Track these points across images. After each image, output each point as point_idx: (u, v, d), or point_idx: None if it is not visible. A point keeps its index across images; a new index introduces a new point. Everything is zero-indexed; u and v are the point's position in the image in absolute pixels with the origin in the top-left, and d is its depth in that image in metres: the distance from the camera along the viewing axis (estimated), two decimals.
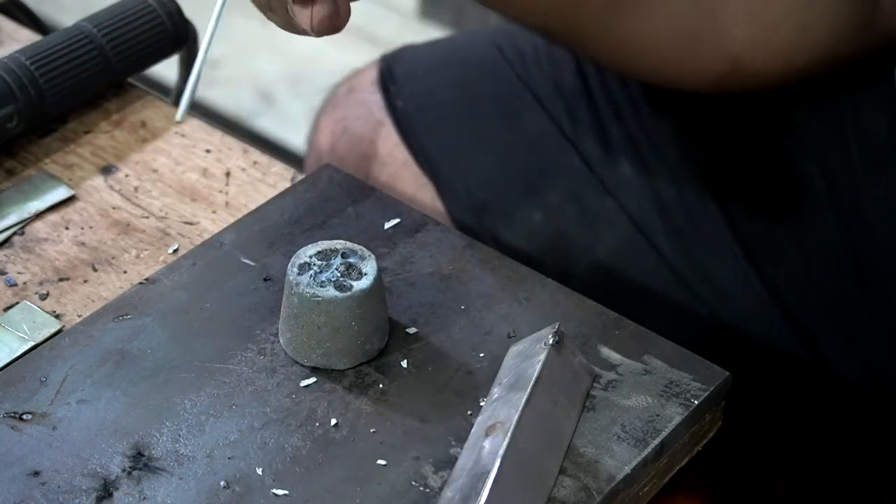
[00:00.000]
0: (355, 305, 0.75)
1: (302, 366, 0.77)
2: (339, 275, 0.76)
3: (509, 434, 0.70)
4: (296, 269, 0.76)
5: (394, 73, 1.09)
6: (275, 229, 0.85)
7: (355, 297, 0.75)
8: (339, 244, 0.77)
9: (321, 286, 0.75)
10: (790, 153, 1.01)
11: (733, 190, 1.00)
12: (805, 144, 1.00)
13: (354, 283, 0.76)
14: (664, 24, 0.90)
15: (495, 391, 0.75)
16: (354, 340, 0.76)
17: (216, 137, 0.93)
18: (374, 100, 1.08)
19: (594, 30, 0.91)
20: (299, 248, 0.81)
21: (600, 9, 0.89)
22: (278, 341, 0.78)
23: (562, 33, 0.98)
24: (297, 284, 0.75)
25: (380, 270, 0.76)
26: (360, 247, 0.77)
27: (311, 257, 0.76)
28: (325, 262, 0.76)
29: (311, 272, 0.76)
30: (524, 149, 1.04)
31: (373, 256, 0.77)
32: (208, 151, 0.92)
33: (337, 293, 0.75)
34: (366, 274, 0.76)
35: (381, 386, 0.76)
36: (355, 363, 0.77)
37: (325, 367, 0.77)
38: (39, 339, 0.79)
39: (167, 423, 0.74)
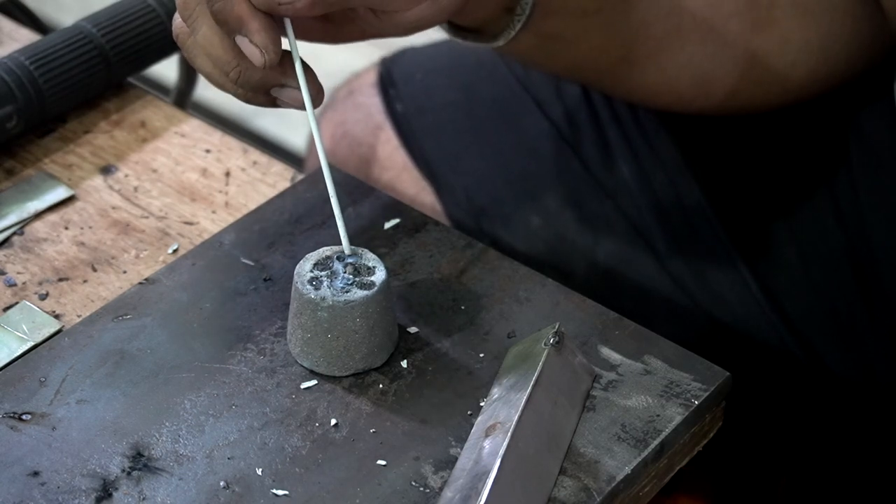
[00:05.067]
0: (382, 298, 0.75)
1: (302, 366, 0.77)
2: (351, 276, 0.76)
3: (509, 434, 0.70)
4: (311, 288, 0.75)
5: (393, 76, 1.09)
6: (275, 229, 0.85)
7: (381, 290, 0.75)
8: (327, 251, 0.77)
9: (346, 292, 0.75)
10: (789, 158, 1.01)
11: (731, 194, 1.00)
12: (804, 150, 1.00)
13: (372, 278, 0.76)
14: (678, 73, 0.90)
15: (495, 391, 0.75)
16: (387, 331, 0.76)
17: (216, 137, 0.93)
18: (373, 103, 1.08)
19: (606, 81, 0.92)
20: (299, 248, 0.81)
21: (611, 67, 0.89)
22: (278, 341, 0.78)
23: (579, 81, 0.99)
24: (324, 299, 0.75)
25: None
26: (346, 245, 0.77)
27: (312, 271, 0.76)
28: (328, 271, 0.76)
29: (325, 283, 0.75)
30: (523, 152, 1.04)
31: (365, 250, 0.77)
32: (208, 151, 0.92)
33: (366, 292, 0.75)
34: (375, 266, 0.76)
35: (380, 386, 0.76)
36: (389, 355, 0.77)
37: (365, 370, 0.76)
38: (39, 339, 0.79)
39: (167, 424, 0.74)
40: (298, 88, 0.76)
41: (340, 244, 0.77)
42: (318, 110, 0.77)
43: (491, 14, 0.82)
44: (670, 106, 0.95)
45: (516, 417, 0.71)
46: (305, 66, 0.76)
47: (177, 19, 0.77)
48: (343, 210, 0.85)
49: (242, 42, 0.74)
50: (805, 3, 0.89)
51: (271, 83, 0.76)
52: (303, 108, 0.76)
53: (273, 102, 0.78)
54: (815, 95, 0.95)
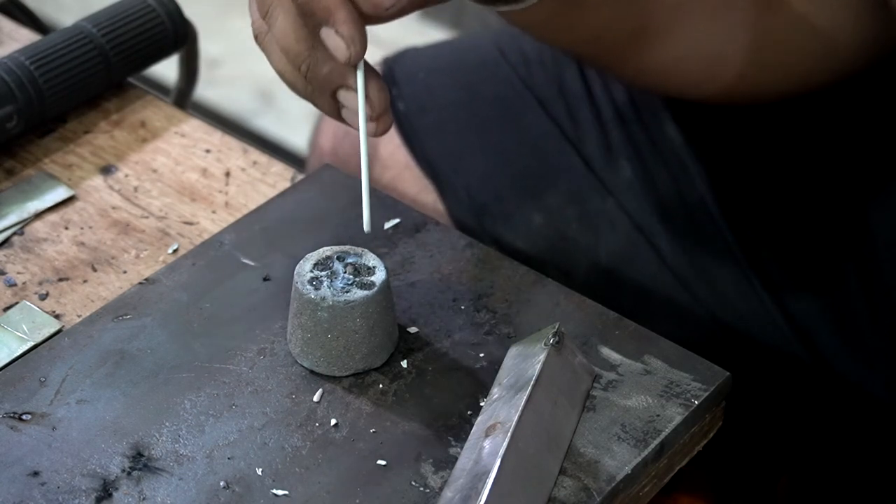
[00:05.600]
0: (382, 298, 0.76)
1: (302, 366, 0.77)
2: (351, 277, 0.76)
3: (509, 434, 0.70)
4: (311, 288, 0.75)
5: (395, 75, 1.09)
6: (275, 229, 0.85)
7: (381, 290, 0.75)
8: (327, 251, 0.77)
9: (346, 293, 0.75)
10: (792, 156, 1.01)
11: (735, 193, 1.00)
12: (808, 148, 1.00)
13: (372, 278, 0.76)
14: (689, 51, 0.89)
15: (495, 391, 0.75)
16: (387, 331, 0.76)
17: (216, 137, 0.93)
18: None
19: (620, 57, 0.91)
20: (299, 248, 0.81)
21: (627, 40, 0.88)
22: (278, 341, 0.78)
23: (587, 59, 0.98)
24: (324, 299, 0.75)
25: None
26: (347, 246, 0.77)
27: (312, 271, 0.76)
28: (328, 271, 0.76)
29: (325, 283, 0.75)
30: (525, 151, 1.04)
31: (366, 250, 0.77)
32: (208, 151, 0.92)
33: (366, 292, 0.75)
34: (374, 266, 0.76)
35: (380, 386, 0.76)
36: (389, 355, 0.77)
37: (365, 370, 0.77)
38: (39, 339, 0.79)
39: (167, 424, 0.74)
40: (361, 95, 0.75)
41: (340, 244, 0.77)
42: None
43: None
44: (679, 89, 0.94)
45: (516, 417, 0.71)
46: (378, 82, 0.76)
47: (255, 15, 0.76)
48: (343, 210, 0.85)
49: (328, 35, 0.73)
50: None
51: (337, 81, 0.75)
52: (364, 129, 0.76)
53: (337, 111, 0.77)
54: (818, 88, 0.95)
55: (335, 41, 0.73)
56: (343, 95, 0.76)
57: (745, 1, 0.88)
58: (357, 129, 0.76)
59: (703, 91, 0.93)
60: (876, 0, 0.91)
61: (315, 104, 0.78)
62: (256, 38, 0.77)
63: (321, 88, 0.76)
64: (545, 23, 0.86)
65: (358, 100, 0.75)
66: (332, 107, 0.77)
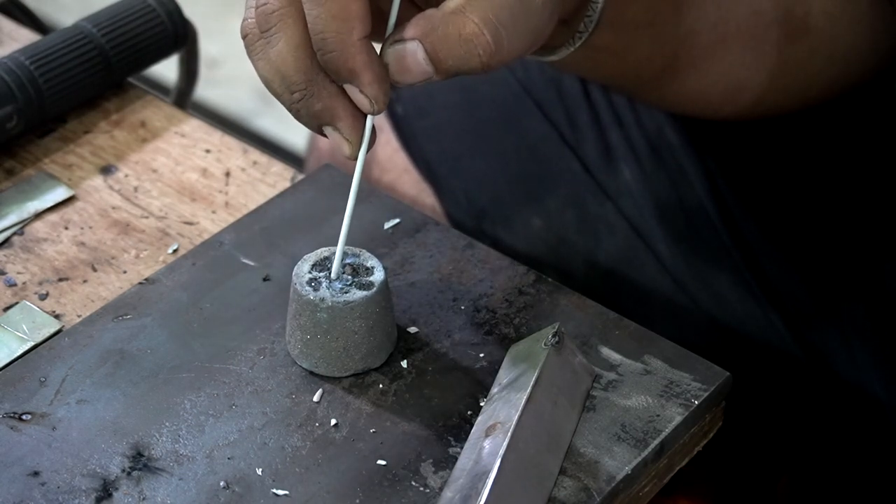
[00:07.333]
0: (381, 299, 0.76)
1: (301, 367, 0.77)
2: (350, 277, 0.76)
3: (509, 434, 0.70)
4: (310, 289, 0.75)
5: None
6: (275, 229, 0.85)
7: (380, 290, 0.75)
8: (325, 251, 0.77)
9: (345, 293, 0.75)
10: (790, 159, 1.01)
11: (732, 196, 1.00)
12: (805, 150, 1.00)
13: (371, 278, 0.76)
14: (713, 81, 0.89)
15: (495, 391, 0.75)
16: (386, 331, 0.76)
17: (216, 137, 0.93)
18: None
19: (650, 88, 0.90)
20: (299, 248, 0.81)
21: (660, 72, 0.88)
22: (278, 341, 0.78)
23: (616, 90, 0.98)
24: (323, 300, 0.74)
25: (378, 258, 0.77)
26: (346, 246, 0.77)
27: (310, 272, 0.76)
28: (327, 272, 0.76)
29: (324, 284, 0.75)
30: (524, 154, 1.04)
31: (363, 250, 0.77)
32: (208, 151, 0.92)
33: (365, 292, 0.75)
34: (373, 266, 0.76)
35: (380, 386, 0.76)
36: (388, 355, 0.77)
37: (364, 370, 0.76)
38: (39, 339, 0.79)
39: (167, 424, 0.74)
40: (347, 138, 0.72)
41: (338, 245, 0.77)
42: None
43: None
44: (698, 113, 0.94)
45: (516, 417, 0.71)
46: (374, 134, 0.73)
47: (250, 14, 0.72)
48: (343, 210, 0.85)
49: (352, 91, 0.70)
50: (833, 14, 0.89)
51: (326, 120, 0.72)
52: (346, 156, 0.74)
53: (318, 128, 0.73)
54: (830, 100, 0.95)
55: (359, 98, 0.70)
56: (328, 131, 0.73)
57: (770, 35, 0.88)
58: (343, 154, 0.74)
59: (721, 115, 0.93)
60: (889, 20, 0.91)
61: (295, 118, 0.74)
62: (245, 37, 0.72)
63: (307, 118, 0.73)
64: (571, 65, 0.85)
65: (358, 154, 0.73)
66: (316, 127, 0.74)
